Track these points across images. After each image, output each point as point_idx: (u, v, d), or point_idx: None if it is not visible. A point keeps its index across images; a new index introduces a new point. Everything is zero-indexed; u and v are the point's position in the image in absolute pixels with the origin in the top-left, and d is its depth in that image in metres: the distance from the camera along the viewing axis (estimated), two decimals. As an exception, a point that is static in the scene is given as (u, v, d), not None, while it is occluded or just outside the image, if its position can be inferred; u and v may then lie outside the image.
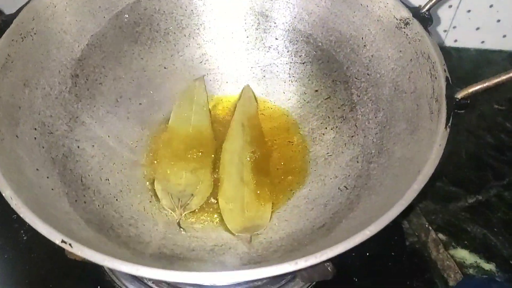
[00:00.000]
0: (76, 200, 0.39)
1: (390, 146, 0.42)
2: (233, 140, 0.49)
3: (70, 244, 0.29)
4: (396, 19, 0.45)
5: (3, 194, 0.32)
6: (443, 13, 0.65)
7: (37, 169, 0.38)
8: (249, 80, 0.54)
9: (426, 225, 0.54)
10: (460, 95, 0.37)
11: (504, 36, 0.69)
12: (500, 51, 0.71)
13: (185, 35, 0.53)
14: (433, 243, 0.53)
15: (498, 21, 0.67)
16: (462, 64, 0.69)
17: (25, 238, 0.49)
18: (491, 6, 0.65)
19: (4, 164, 0.34)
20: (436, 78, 0.39)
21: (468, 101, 0.36)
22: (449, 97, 0.37)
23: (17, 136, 0.38)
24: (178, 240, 0.41)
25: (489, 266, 0.50)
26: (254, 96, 0.53)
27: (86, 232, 0.35)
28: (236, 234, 0.41)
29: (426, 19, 0.43)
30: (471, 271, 0.50)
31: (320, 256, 0.30)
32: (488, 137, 0.62)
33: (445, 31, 0.69)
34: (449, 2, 0.64)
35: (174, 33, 0.53)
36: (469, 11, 0.65)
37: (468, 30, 0.68)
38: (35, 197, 0.35)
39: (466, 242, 0.52)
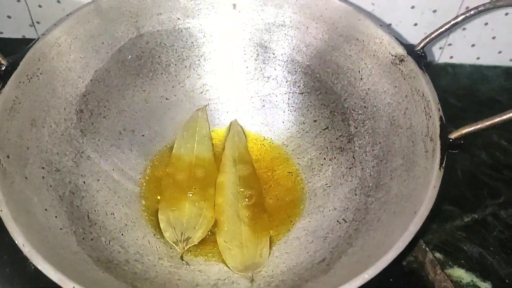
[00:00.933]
0: (83, 238, 0.40)
1: (387, 181, 0.43)
2: (226, 175, 0.50)
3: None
4: (392, 55, 0.46)
5: (16, 241, 0.33)
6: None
7: (45, 209, 0.39)
8: (248, 109, 0.55)
9: (423, 246, 0.55)
10: (453, 135, 0.38)
11: (500, 52, 0.70)
12: (495, 67, 0.72)
13: (186, 66, 0.55)
14: (431, 264, 0.54)
15: (493, 38, 0.68)
16: (457, 80, 0.70)
17: (33, 267, 0.49)
18: (486, 24, 0.66)
19: (15, 209, 0.35)
20: (430, 116, 0.41)
21: (462, 142, 0.38)
22: (443, 137, 0.38)
23: (26, 177, 0.39)
24: (183, 274, 0.42)
25: (485, 285, 0.51)
26: (243, 130, 0.55)
27: (95, 272, 0.36)
28: (237, 273, 0.42)
29: (420, 56, 0.44)
30: None
31: None
32: (483, 155, 0.63)
33: (440, 48, 0.70)
34: (444, 19, 0.65)
35: (175, 64, 0.54)
36: (464, 29, 0.66)
37: (463, 47, 0.69)
38: (45, 239, 0.36)
39: (462, 261, 0.53)
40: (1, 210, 0.34)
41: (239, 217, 0.47)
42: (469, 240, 0.55)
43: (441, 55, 0.71)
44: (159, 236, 0.46)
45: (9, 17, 0.63)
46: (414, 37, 0.64)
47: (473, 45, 0.69)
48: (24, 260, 0.49)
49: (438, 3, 0.61)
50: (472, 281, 0.52)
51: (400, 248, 0.33)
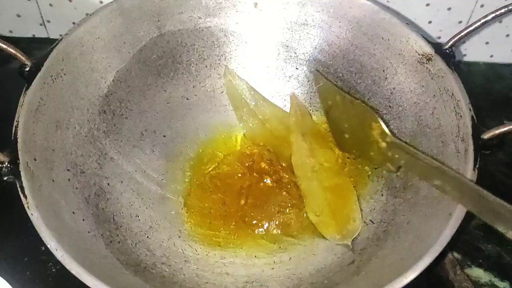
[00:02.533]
0: (111, 241, 0.40)
1: (415, 181, 0.42)
2: (299, 153, 0.49)
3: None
4: (418, 54, 0.45)
5: (48, 246, 0.33)
6: (453, 29, 0.66)
7: (73, 212, 0.39)
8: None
9: (443, 246, 0.55)
10: (486, 135, 0.37)
11: (513, 50, 0.69)
12: (509, 65, 0.71)
13: (206, 66, 0.54)
14: (450, 264, 0.54)
15: (507, 35, 0.68)
16: (472, 78, 0.70)
17: (54, 270, 0.49)
18: (500, 22, 0.65)
19: (45, 212, 0.35)
20: (461, 116, 0.40)
21: (495, 142, 0.37)
22: (476, 137, 0.38)
23: (53, 180, 0.39)
24: (210, 277, 0.41)
25: (503, 284, 0.51)
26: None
27: (125, 276, 0.36)
28: (337, 244, 0.43)
29: (449, 55, 0.43)
30: None
31: None
32: (500, 153, 0.63)
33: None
34: (458, 17, 0.65)
35: (196, 64, 0.54)
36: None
37: (477, 45, 0.69)
38: (75, 243, 0.36)
39: (480, 260, 0.53)
40: (32, 214, 0.34)
41: (323, 188, 0.47)
42: (487, 239, 0.54)
43: (455, 52, 0.70)
44: (184, 238, 0.45)
45: (19, 16, 0.63)
46: (429, 35, 0.64)
47: (487, 43, 0.69)
48: (45, 262, 0.50)
49: (452, 0, 0.61)
50: (490, 280, 0.51)
51: (437, 251, 0.33)
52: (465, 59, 0.71)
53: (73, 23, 0.61)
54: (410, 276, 0.31)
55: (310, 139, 0.50)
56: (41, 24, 0.63)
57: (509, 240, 0.52)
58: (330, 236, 0.44)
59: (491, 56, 0.71)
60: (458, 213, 0.34)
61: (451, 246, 0.53)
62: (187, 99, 0.54)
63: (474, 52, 0.70)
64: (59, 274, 0.49)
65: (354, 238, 0.43)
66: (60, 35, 0.62)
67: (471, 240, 0.54)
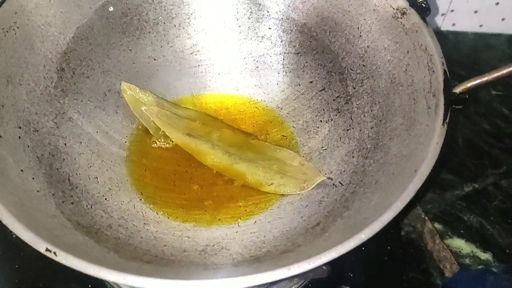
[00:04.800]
0: (63, 202, 0.38)
1: (386, 141, 0.41)
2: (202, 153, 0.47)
3: (54, 253, 0.28)
4: (393, 8, 0.43)
5: (-15, 201, 0.31)
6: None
7: (21, 170, 0.37)
8: (241, 71, 0.53)
9: (422, 215, 0.53)
10: (458, 89, 0.35)
11: (503, 19, 0.68)
12: (499, 35, 0.70)
13: (175, 25, 0.52)
14: (429, 234, 0.53)
15: (497, 4, 0.66)
16: (460, 48, 0.68)
17: (14, 236, 0.47)
18: (489, -12, 0.63)
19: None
20: (433, 71, 0.38)
21: (467, 96, 0.35)
22: (447, 92, 0.36)
23: (0, 136, 0.37)
24: (169, 240, 0.40)
25: (485, 256, 0.50)
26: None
27: (74, 236, 0.34)
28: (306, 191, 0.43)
29: (424, 8, 0.41)
30: (467, 260, 0.50)
31: (314, 262, 0.29)
32: (485, 123, 0.61)
33: (442, 14, 0.67)
34: (448, -15, 0.63)
35: (164, 23, 0.51)
36: (467, -7, 0.64)
37: (466, 14, 0.67)
38: (19, 201, 0.34)
39: (462, 231, 0.52)
40: (-29, 168, 0.32)
41: (251, 161, 0.46)
42: (469, 210, 0.54)
43: (443, 22, 0.68)
44: (145, 201, 0.43)
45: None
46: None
47: (476, 12, 0.66)
48: (5, 228, 0.48)
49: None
50: (472, 251, 0.51)
51: (399, 207, 0.31)
52: (454, 29, 0.69)
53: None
54: (369, 233, 0.30)
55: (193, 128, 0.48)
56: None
57: (492, 211, 0.52)
58: (294, 191, 0.44)
59: (481, 25, 0.68)
60: (424, 169, 0.32)
61: (430, 214, 0.52)
62: (155, 59, 0.51)
63: (463, 21, 0.68)
64: (19, 239, 0.47)
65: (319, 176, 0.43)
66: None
67: (452, 211, 0.54)
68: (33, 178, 0.37)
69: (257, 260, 0.36)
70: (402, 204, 0.31)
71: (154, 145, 0.48)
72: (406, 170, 0.35)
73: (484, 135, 0.60)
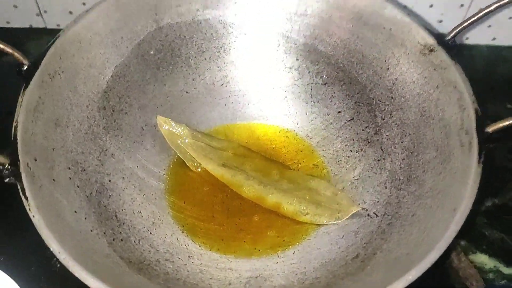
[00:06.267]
0: (113, 239, 0.40)
1: (419, 173, 0.42)
2: (241, 184, 0.49)
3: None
4: (421, 45, 0.45)
5: (51, 248, 0.33)
6: (455, 12, 0.65)
7: (75, 211, 0.39)
8: (270, 101, 0.55)
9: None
10: (491, 129, 0.37)
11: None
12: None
13: (205, 59, 0.54)
14: (454, 251, 0.54)
15: (510, 18, 0.67)
16: (474, 62, 0.69)
17: (58, 266, 0.49)
18: (503, 4, 0.65)
19: (46, 213, 0.35)
20: (464, 108, 0.40)
21: (500, 135, 0.37)
22: (480, 130, 0.37)
23: (54, 179, 0.39)
24: (214, 273, 0.41)
25: (509, 271, 0.51)
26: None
27: (129, 276, 0.36)
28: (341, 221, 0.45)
29: (451, 46, 0.43)
30: (490, 275, 0.51)
31: None
32: (504, 139, 0.62)
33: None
34: (460, 1, 0.64)
35: (195, 57, 0.53)
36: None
37: (479, 28, 0.67)
38: (78, 244, 0.35)
39: (484, 246, 0.53)
40: (34, 216, 0.34)
41: (286, 191, 0.47)
42: (491, 225, 0.54)
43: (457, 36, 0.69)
44: (187, 234, 0.45)
45: (15, 6, 0.62)
46: (430, 20, 0.62)
47: (489, 26, 0.68)
48: (49, 259, 0.50)
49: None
50: (495, 266, 0.52)
51: (443, 248, 0.32)
52: (467, 42, 0.70)
53: (70, 12, 0.60)
54: (416, 274, 0.31)
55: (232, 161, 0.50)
56: (37, 15, 0.63)
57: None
58: (329, 221, 0.45)
59: (494, 39, 0.70)
60: (463, 209, 0.34)
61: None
62: (187, 92, 0.53)
63: (476, 35, 0.68)
64: (63, 270, 0.49)
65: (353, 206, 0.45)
66: (58, 25, 0.62)
67: (474, 226, 0.54)
68: (85, 218, 0.39)
69: (301, 293, 0.38)
70: (446, 243, 0.32)
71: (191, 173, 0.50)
72: (444, 206, 0.36)
73: (503, 150, 0.60)
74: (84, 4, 0.45)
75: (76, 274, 0.31)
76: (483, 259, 0.52)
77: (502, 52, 0.70)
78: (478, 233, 0.54)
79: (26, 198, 0.34)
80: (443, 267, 0.52)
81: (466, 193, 0.34)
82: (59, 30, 0.45)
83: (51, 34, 0.44)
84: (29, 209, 0.34)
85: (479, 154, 0.36)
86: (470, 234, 0.54)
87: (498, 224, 0.54)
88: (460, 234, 0.52)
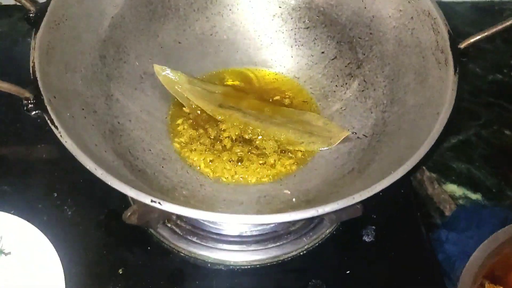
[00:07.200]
0: (133, 169, 0.43)
1: (401, 95, 0.47)
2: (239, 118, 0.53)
3: (159, 202, 0.34)
4: (393, -20, 0.49)
5: (87, 167, 0.35)
6: None
7: (95, 145, 0.41)
8: (257, 47, 0.58)
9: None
10: (463, 45, 0.42)
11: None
12: (463, 2, 0.76)
13: (194, 10, 0.56)
14: (428, 181, 0.60)
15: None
16: (458, 18, 0.74)
17: (69, 213, 0.52)
18: None
19: (76, 140, 0.37)
20: (439, 32, 0.45)
21: (470, 50, 0.42)
22: (454, 47, 0.43)
23: (73, 116, 0.41)
24: (227, 196, 0.46)
25: (476, 196, 0.57)
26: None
27: (153, 195, 0.39)
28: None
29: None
30: (461, 201, 0.57)
31: (355, 199, 0.35)
32: (462, 83, 0.68)
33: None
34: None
35: (184, 8, 0.56)
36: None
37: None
38: (105, 169, 0.38)
39: (453, 177, 0.59)
40: (66, 142, 0.36)
41: (281, 124, 0.51)
42: (457, 158, 0.61)
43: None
44: (196, 168, 0.49)
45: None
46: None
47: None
48: (58, 207, 0.52)
49: None
50: (464, 193, 0.58)
51: (430, 144, 0.37)
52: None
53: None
54: (411, 164, 0.36)
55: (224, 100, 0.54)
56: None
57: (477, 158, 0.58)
58: (323, 147, 0.50)
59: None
60: (445, 111, 0.39)
61: (426, 165, 0.59)
62: (179, 42, 0.56)
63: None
64: (74, 215, 0.52)
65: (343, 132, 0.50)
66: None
67: (443, 161, 0.60)
68: (105, 151, 0.42)
69: (308, 202, 0.43)
70: (432, 140, 0.37)
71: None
72: (427, 115, 0.41)
73: (463, 93, 0.66)
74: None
75: (116, 186, 0.34)
76: (453, 188, 0.58)
77: (454, 7, 0.75)
78: (447, 166, 0.60)
79: (56, 127, 0.37)
80: (420, 197, 0.58)
81: (447, 98, 0.40)
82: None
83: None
84: (61, 136, 0.36)
85: (455, 67, 0.41)
86: (440, 167, 0.60)
87: (464, 157, 0.61)
88: (432, 168, 0.58)
